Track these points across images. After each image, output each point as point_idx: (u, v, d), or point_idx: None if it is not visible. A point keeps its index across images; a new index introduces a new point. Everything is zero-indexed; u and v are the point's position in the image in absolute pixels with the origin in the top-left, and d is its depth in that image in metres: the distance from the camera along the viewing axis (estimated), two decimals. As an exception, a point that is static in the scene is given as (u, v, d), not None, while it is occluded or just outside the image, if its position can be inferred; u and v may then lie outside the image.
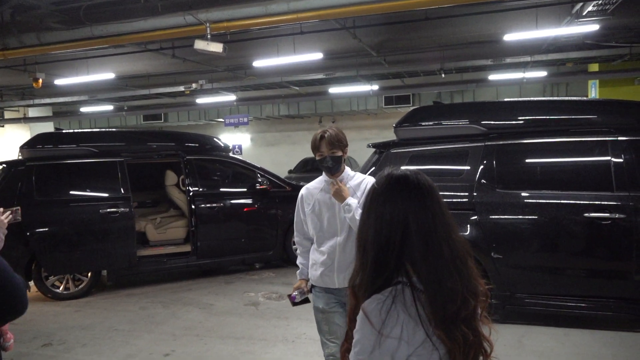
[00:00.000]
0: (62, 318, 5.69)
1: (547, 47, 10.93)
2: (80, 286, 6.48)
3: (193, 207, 6.86)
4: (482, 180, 4.78)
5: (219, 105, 17.69)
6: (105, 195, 6.52)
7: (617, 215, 4.36)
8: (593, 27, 8.03)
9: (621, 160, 4.48)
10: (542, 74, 13.72)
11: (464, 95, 17.29)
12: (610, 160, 4.52)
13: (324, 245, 2.85)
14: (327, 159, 2.81)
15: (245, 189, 7.36)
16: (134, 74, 12.89)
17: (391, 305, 1.26)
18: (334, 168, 2.83)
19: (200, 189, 7.01)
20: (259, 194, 7.27)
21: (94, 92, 14.47)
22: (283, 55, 9.81)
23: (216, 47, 6.44)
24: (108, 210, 6.39)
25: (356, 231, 2.49)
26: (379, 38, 10.10)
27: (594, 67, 13.07)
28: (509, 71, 13.68)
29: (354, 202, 2.73)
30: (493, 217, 4.67)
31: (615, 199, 4.41)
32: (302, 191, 3.00)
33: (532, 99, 5.64)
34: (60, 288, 6.41)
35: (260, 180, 7.41)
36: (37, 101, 15.03)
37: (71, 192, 6.52)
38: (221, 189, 7.42)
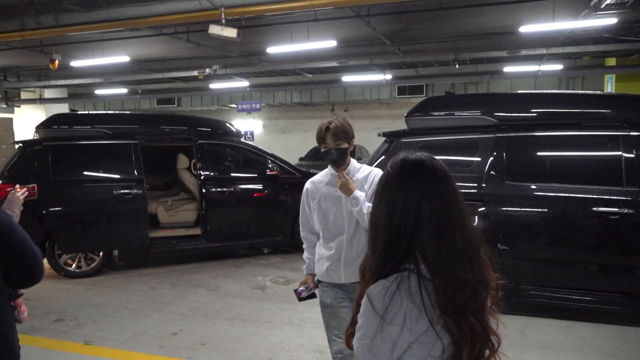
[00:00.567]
0: (74, 295, 5.83)
1: (563, 39, 10.79)
2: (92, 265, 6.62)
3: (204, 190, 6.94)
4: (492, 172, 4.79)
5: (231, 91, 17.76)
6: (119, 176, 6.62)
7: (626, 210, 4.35)
8: (611, 21, 7.92)
9: (632, 155, 4.46)
10: (558, 67, 13.56)
11: (478, 86, 17.16)
12: (621, 155, 4.49)
13: (330, 240, 2.79)
14: (332, 151, 2.73)
15: (255, 175, 7.43)
16: (149, 58, 12.97)
17: (395, 291, 1.25)
18: (339, 160, 2.75)
19: (211, 173, 7.08)
20: (269, 179, 7.33)
21: (108, 75, 14.59)
22: (297, 42, 9.81)
23: (230, 33, 6.48)
24: (122, 191, 6.50)
25: (364, 225, 2.54)
26: (394, 27, 10.04)
27: (611, 62, 12.90)
28: (524, 63, 13.54)
29: (362, 195, 2.66)
30: (501, 208, 4.68)
31: (625, 193, 4.40)
32: (307, 185, 2.92)
33: (544, 91, 5.60)
34: (73, 266, 6.56)
35: (270, 166, 7.47)
36: (52, 82, 15.21)
37: (86, 173, 6.64)
38: (232, 174, 7.49)
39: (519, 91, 6.35)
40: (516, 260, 4.64)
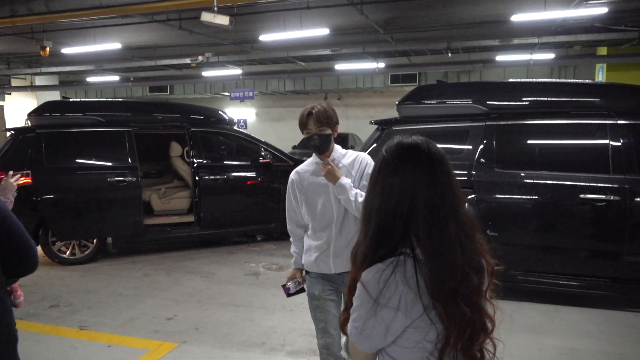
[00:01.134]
0: (69, 282, 5.87)
1: (555, 29, 10.85)
2: (86, 252, 6.65)
3: (197, 178, 6.97)
4: (481, 160, 4.86)
5: (224, 79, 17.69)
6: (114, 164, 6.62)
7: (612, 197, 4.44)
8: (602, 10, 7.98)
9: (619, 143, 4.54)
10: (549, 56, 13.63)
11: (471, 75, 17.20)
12: (608, 143, 4.58)
13: (319, 230, 2.69)
14: (315, 137, 2.61)
15: (248, 162, 7.46)
16: (141, 45, 12.89)
17: (390, 274, 1.24)
18: (322, 147, 2.64)
19: (205, 161, 7.11)
20: (262, 167, 7.37)
21: (100, 62, 14.50)
22: (289, 30, 9.79)
23: (222, 20, 6.47)
24: (116, 179, 6.51)
25: (353, 212, 2.53)
26: (386, 15, 10.04)
27: (602, 51, 12.97)
28: (517, 52, 13.60)
29: (348, 182, 2.57)
30: (490, 195, 4.76)
31: (611, 181, 4.49)
32: (292, 176, 2.78)
33: (533, 80, 5.66)
34: (67, 253, 6.58)
35: (263, 154, 7.50)
36: (43, 70, 15.09)
37: (80, 160, 6.64)
38: (225, 162, 7.52)
39: (510, 80, 6.41)
40: (505, 246, 4.72)
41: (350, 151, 2.77)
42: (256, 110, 24.10)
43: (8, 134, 6.79)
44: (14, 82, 17.34)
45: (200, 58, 12.81)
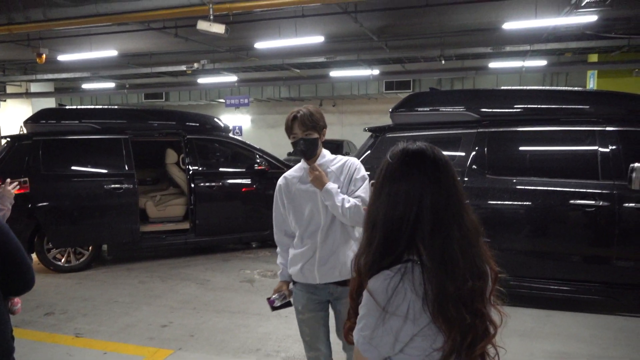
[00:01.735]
0: (64, 289, 5.89)
1: (546, 36, 11.00)
2: (82, 259, 6.66)
3: (192, 185, 7.01)
4: (473, 166, 4.93)
5: (220, 86, 17.73)
6: (111, 171, 6.66)
7: (601, 203, 4.52)
8: (592, 18, 8.10)
9: (607, 150, 4.63)
10: (542, 63, 13.78)
11: (464, 82, 17.35)
12: (597, 150, 4.66)
13: (306, 237, 2.61)
14: (300, 142, 2.52)
15: (244, 169, 7.50)
16: (137, 52, 12.94)
17: (399, 282, 1.23)
18: (308, 152, 2.55)
19: (200, 168, 7.15)
20: (258, 174, 7.41)
21: (96, 69, 14.52)
22: (285, 38, 9.88)
23: (218, 28, 6.53)
24: (113, 186, 6.54)
25: (340, 218, 2.50)
26: (380, 23, 10.15)
27: (594, 58, 13.13)
28: (509, 59, 13.74)
29: (334, 188, 2.50)
30: (482, 201, 4.82)
31: (600, 187, 4.56)
32: (280, 181, 2.69)
33: (524, 87, 5.76)
34: (62, 261, 6.59)
35: (259, 161, 7.55)
36: (39, 76, 15.09)
37: (77, 167, 6.67)
38: (220, 169, 7.56)
39: (501, 87, 6.51)
40: (496, 252, 4.76)
41: (339, 156, 2.69)
42: (251, 117, 24.17)
43: (4, 141, 6.81)
44: (9, 89, 17.32)
45: (195, 65, 12.86)
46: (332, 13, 8.44)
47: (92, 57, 11.23)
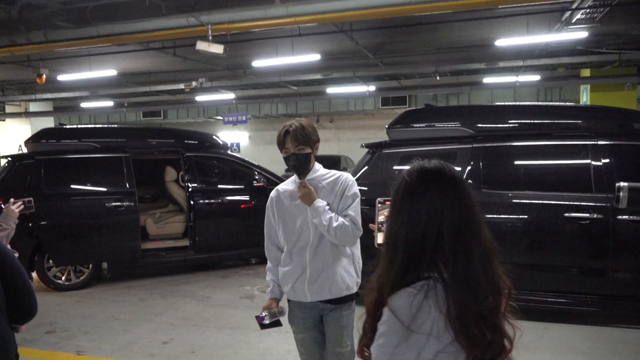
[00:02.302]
0: (64, 307, 5.90)
1: (539, 52, 11.19)
2: (82, 277, 6.68)
3: (192, 202, 7.07)
4: (469, 180, 5.00)
5: (217, 103, 17.90)
6: (112, 189, 6.72)
7: (595, 216, 4.59)
8: (582, 34, 8.28)
9: (600, 163, 4.72)
10: (535, 77, 13.98)
11: (460, 97, 17.55)
12: (590, 163, 4.75)
13: (294, 254, 2.56)
14: (292, 158, 2.47)
15: (242, 186, 7.56)
16: (135, 71, 13.09)
17: (423, 300, 1.23)
18: (300, 168, 2.50)
19: (199, 185, 7.22)
20: (256, 191, 7.46)
21: (95, 88, 14.66)
22: (282, 56, 10.03)
23: (217, 49, 6.66)
24: (114, 204, 6.60)
25: (328, 237, 2.46)
26: (376, 40, 10.33)
27: (586, 72, 13.34)
28: (503, 75, 13.94)
29: (321, 206, 2.45)
30: (478, 215, 4.89)
31: (594, 200, 4.65)
32: (272, 194, 2.65)
33: (518, 103, 5.89)
34: (62, 279, 6.61)
35: (257, 177, 7.61)
36: (38, 96, 15.23)
37: (79, 186, 6.73)
38: (219, 186, 7.62)
39: (495, 103, 6.63)
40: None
41: (332, 171, 2.63)
42: (249, 133, 24.31)
43: (4, 161, 6.88)
44: (8, 109, 17.44)
45: (194, 83, 13.02)
46: (328, 32, 8.60)
47: (91, 77, 11.36)
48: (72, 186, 6.68)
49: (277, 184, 7.76)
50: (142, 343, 4.73)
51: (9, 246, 3.42)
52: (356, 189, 2.58)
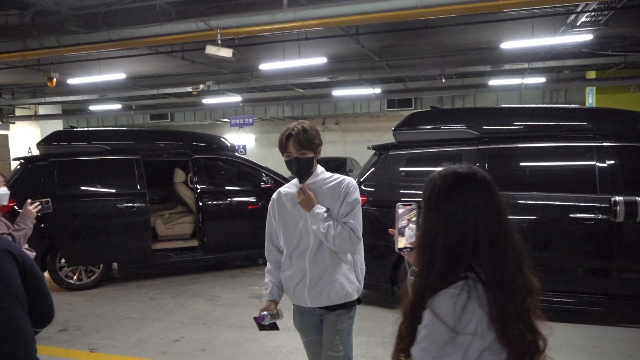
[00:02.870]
0: (76, 306, 6.01)
1: (544, 54, 11.23)
2: (93, 277, 6.80)
3: (200, 204, 7.17)
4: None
5: (224, 106, 18.02)
6: (123, 191, 6.83)
7: (600, 216, 4.65)
8: (587, 37, 8.33)
9: (605, 164, 4.77)
10: (541, 80, 14.01)
11: (465, 100, 17.59)
12: (595, 165, 4.81)
13: (294, 258, 2.54)
14: (294, 162, 2.42)
15: (250, 188, 7.66)
16: (144, 75, 13.24)
17: (467, 300, 1.25)
18: (302, 172, 2.45)
19: (207, 187, 7.31)
20: (263, 192, 7.55)
21: (104, 91, 14.82)
22: (288, 59, 10.13)
23: (226, 53, 6.75)
24: (125, 205, 6.72)
25: (325, 243, 2.43)
26: (381, 44, 10.41)
27: (591, 75, 13.36)
28: (508, 77, 13.98)
29: (320, 213, 2.40)
30: (484, 216, 4.95)
31: (599, 200, 4.69)
32: (275, 195, 2.62)
33: (523, 105, 5.95)
34: (74, 278, 6.73)
35: (264, 179, 7.70)
36: (47, 99, 15.41)
37: (91, 188, 6.85)
38: (227, 187, 7.71)
39: (501, 105, 6.69)
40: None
41: (335, 175, 2.58)
42: (255, 135, 24.44)
43: (17, 163, 7.01)
44: (18, 112, 17.65)
45: (201, 86, 13.14)
46: (335, 36, 8.68)
47: (100, 80, 11.50)
48: (85, 188, 6.80)
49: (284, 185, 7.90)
50: (153, 341, 4.82)
51: (26, 245, 3.55)
52: (357, 195, 2.52)
